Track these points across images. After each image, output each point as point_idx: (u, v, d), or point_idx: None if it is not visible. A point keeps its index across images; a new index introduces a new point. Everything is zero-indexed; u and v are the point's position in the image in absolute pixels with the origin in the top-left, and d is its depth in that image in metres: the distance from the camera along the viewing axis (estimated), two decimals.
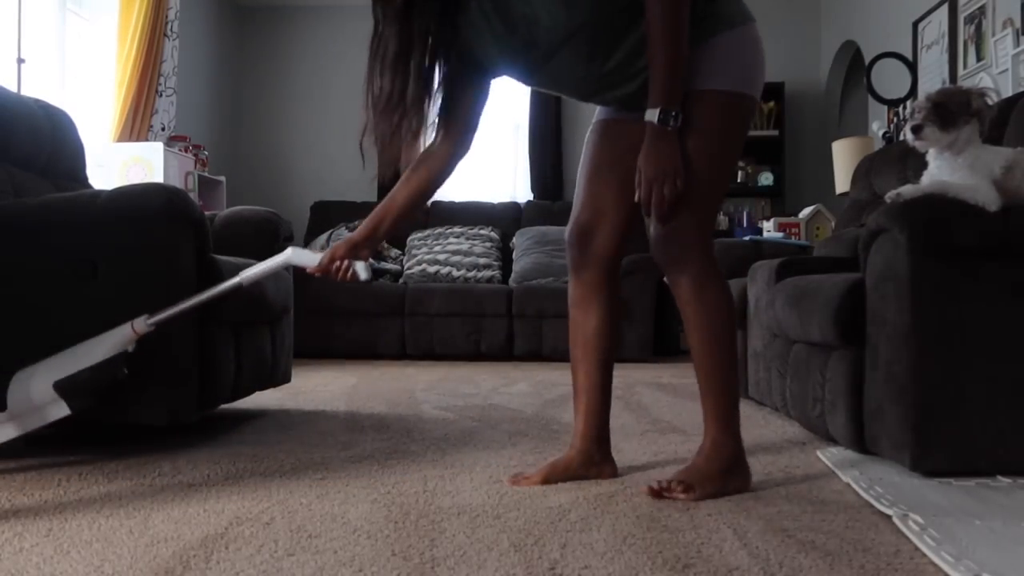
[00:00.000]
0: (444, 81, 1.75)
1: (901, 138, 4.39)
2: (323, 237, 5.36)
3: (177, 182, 4.37)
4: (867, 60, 4.80)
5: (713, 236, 1.65)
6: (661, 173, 1.53)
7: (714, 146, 1.58)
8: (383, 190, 6.04)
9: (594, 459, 1.73)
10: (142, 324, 1.79)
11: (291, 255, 1.74)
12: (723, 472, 1.61)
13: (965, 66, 3.99)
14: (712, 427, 1.65)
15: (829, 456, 1.94)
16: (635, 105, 1.60)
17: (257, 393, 2.58)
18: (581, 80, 1.67)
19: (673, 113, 1.53)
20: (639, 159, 1.55)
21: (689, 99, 1.55)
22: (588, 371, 1.76)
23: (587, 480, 1.70)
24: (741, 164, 5.86)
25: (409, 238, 5.49)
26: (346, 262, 1.73)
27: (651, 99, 1.54)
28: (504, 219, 5.69)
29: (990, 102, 1.85)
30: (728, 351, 1.64)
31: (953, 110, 1.81)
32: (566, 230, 1.81)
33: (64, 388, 1.73)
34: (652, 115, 1.53)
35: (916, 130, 1.85)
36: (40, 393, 1.75)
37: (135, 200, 2.00)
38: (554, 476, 1.69)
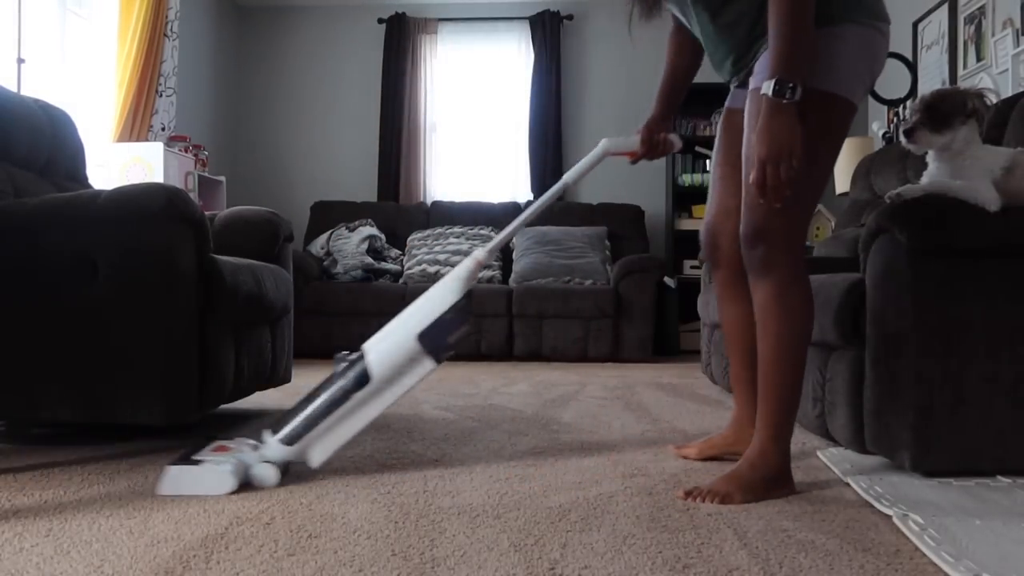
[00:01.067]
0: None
1: (899, 139, 4.40)
2: (323, 237, 5.36)
3: (177, 182, 4.38)
4: None
5: (803, 247, 1.62)
6: (776, 151, 1.44)
7: (816, 148, 1.52)
8: (383, 191, 6.06)
9: (743, 438, 1.83)
10: (484, 255, 1.77)
11: (608, 145, 1.81)
12: (767, 481, 1.57)
13: (965, 66, 3.99)
14: (763, 436, 1.60)
15: (829, 456, 1.94)
16: (747, 75, 1.58)
17: (257, 393, 2.58)
18: (709, 39, 1.68)
19: (791, 85, 1.43)
20: (753, 135, 1.48)
21: (812, 98, 1.48)
22: (734, 362, 1.88)
23: (737, 456, 1.77)
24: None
25: (409, 238, 5.49)
26: (661, 135, 1.85)
27: (769, 69, 1.45)
28: (504, 219, 5.68)
29: (988, 102, 1.84)
30: (800, 363, 1.60)
31: (946, 112, 1.80)
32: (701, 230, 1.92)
33: (428, 339, 1.67)
34: (767, 86, 1.44)
35: (908, 134, 1.85)
36: (406, 352, 1.68)
37: (135, 200, 2.00)
38: (709, 451, 1.89)
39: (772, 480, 1.58)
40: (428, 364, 1.69)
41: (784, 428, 1.61)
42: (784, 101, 1.43)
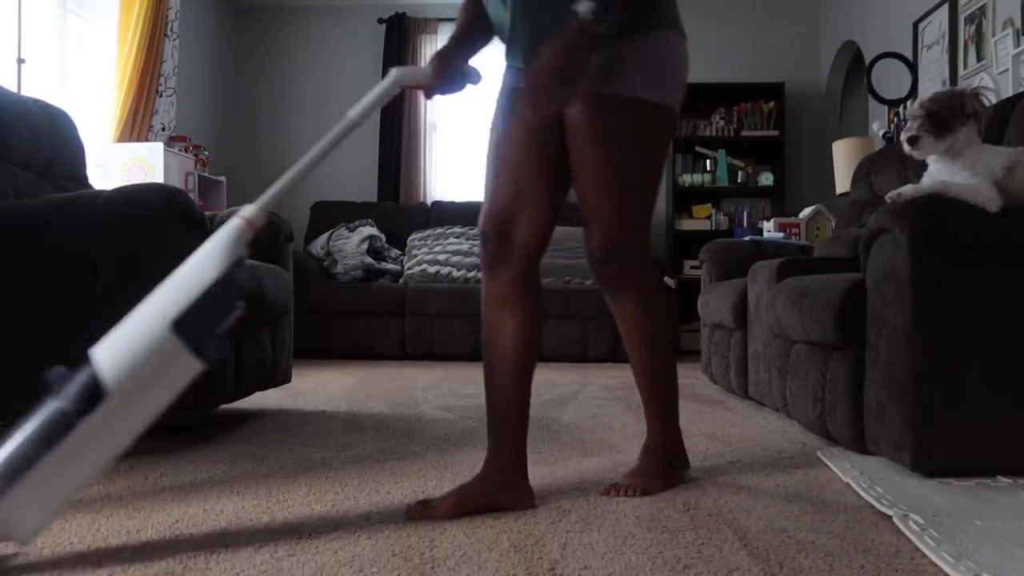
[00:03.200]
0: None
1: (899, 141, 4.40)
2: (323, 237, 5.36)
3: (177, 182, 4.37)
4: (867, 60, 4.80)
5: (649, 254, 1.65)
6: (558, 70, 1.35)
7: (649, 159, 1.57)
8: (383, 191, 6.06)
9: (510, 486, 1.52)
10: (256, 211, 1.35)
11: (399, 76, 1.51)
12: (668, 467, 1.68)
13: (965, 66, 3.99)
14: (659, 428, 1.70)
15: (829, 456, 1.94)
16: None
17: (257, 393, 2.58)
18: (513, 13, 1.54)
19: (609, 18, 1.36)
20: (591, 143, 1.52)
21: (615, 105, 1.51)
22: (505, 385, 1.55)
23: (504, 511, 1.47)
24: (741, 164, 5.86)
25: (409, 238, 5.49)
26: (457, 66, 1.62)
27: None
28: None
29: (986, 102, 1.84)
30: (670, 354, 1.70)
31: (947, 116, 1.81)
32: (479, 220, 1.62)
33: (187, 329, 1.20)
34: (584, 6, 1.35)
35: (912, 142, 1.85)
36: (157, 348, 1.20)
37: (135, 200, 2.00)
38: (464, 505, 1.45)
39: (671, 464, 1.69)
40: (192, 364, 1.21)
41: (673, 415, 1.71)
42: (595, 29, 1.36)
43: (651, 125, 1.55)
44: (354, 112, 1.45)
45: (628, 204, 1.56)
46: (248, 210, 1.34)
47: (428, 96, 1.62)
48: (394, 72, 1.51)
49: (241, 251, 1.29)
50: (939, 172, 1.85)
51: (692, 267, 5.68)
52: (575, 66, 1.37)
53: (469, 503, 1.46)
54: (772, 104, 5.80)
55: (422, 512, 1.42)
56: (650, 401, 1.69)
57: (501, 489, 1.50)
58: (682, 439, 1.74)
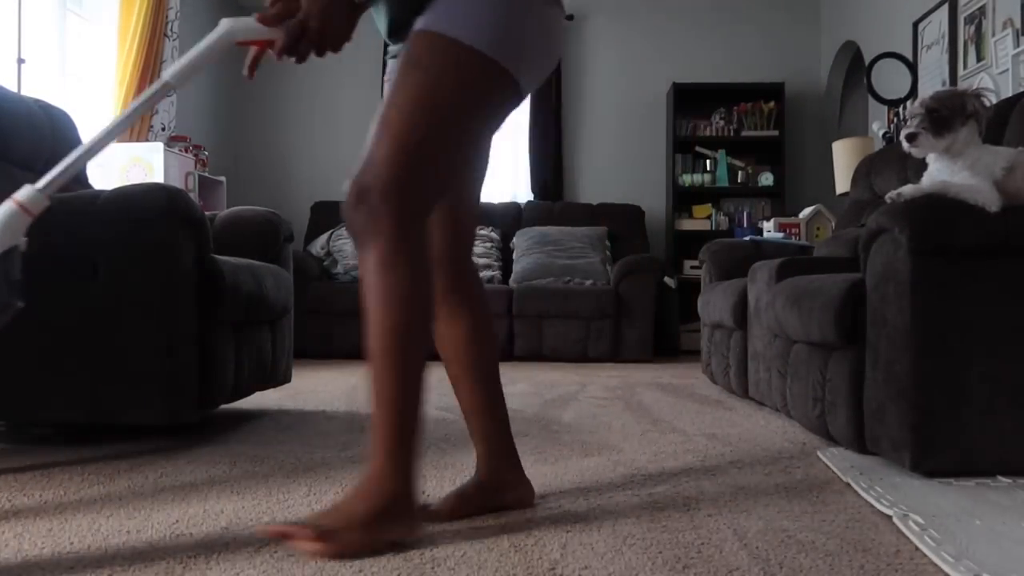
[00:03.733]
0: None
1: (899, 140, 4.40)
2: (323, 237, 5.36)
3: (177, 182, 4.37)
4: (867, 60, 4.80)
5: (421, 214, 1.26)
6: (304, 23, 1.23)
7: (436, 97, 1.24)
8: None
9: (507, 482, 1.50)
10: (33, 196, 1.23)
11: (230, 28, 1.27)
12: (379, 515, 1.22)
13: (965, 66, 3.99)
14: (377, 456, 1.24)
15: (829, 456, 1.94)
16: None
17: (257, 393, 2.58)
18: None
19: None
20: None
21: (414, 40, 1.29)
22: (471, 389, 1.50)
23: (504, 510, 1.47)
24: (741, 164, 5.86)
25: None
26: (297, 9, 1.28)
27: None
28: (504, 219, 5.69)
29: (987, 103, 1.85)
30: (403, 357, 1.24)
31: (946, 115, 1.81)
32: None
33: None
34: None
35: (911, 138, 1.85)
36: None
37: (135, 200, 2.01)
38: (464, 508, 1.43)
39: (386, 513, 1.22)
40: None
41: (402, 441, 1.24)
42: None
43: (448, 64, 1.26)
44: (168, 74, 1.27)
45: (400, 141, 1.22)
46: (23, 193, 1.19)
47: (278, 56, 1.28)
48: (225, 24, 1.28)
49: (13, 240, 1.17)
50: (939, 172, 1.85)
51: (692, 267, 5.68)
52: (321, 21, 1.24)
53: (468, 505, 1.45)
54: (772, 104, 5.80)
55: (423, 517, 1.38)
56: (373, 416, 1.26)
57: (499, 487, 1.49)
58: (413, 487, 1.25)
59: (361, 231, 1.23)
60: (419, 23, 1.30)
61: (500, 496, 1.48)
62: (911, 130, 1.85)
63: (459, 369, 1.51)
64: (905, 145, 1.88)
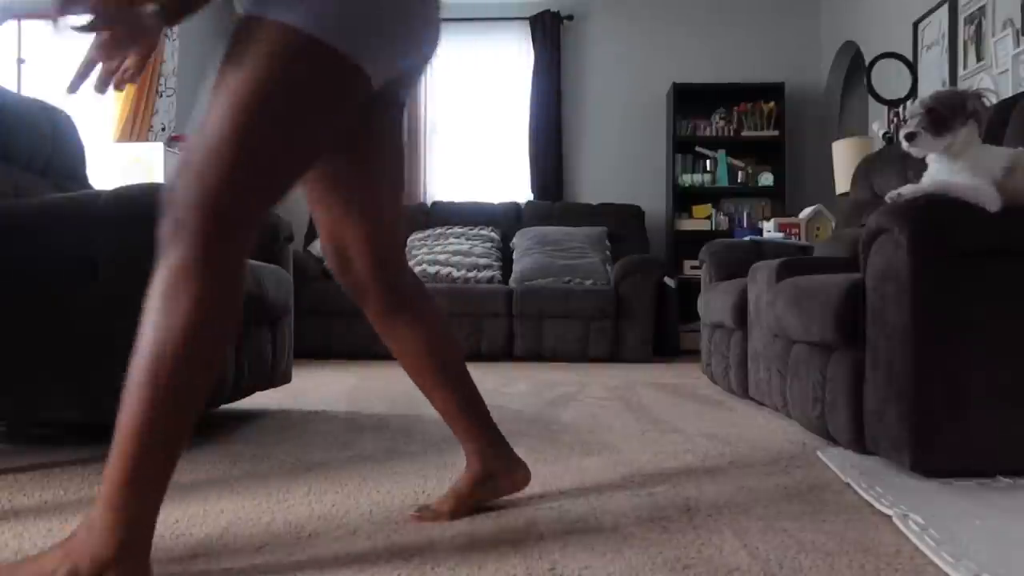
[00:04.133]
0: None
1: (899, 140, 4.40)
2: None
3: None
4: (867, 60, 4.80)
5: (237, 225, 1.06)
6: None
7: (250, 87, 1.06)
8: None
9: (501, 469, 1.50)
10: None
11: None
12: (93, 565, 0.98)
13: (965, 67, 3.99)
14: (100, 499, 1.01)
15: (829, 456, 1.94)
16: None
17: (257, 393, 2.58)
18: None
19: None
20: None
21: (235, 27, 1.15)
22: (445, 395, 1.47)
23: (503, 496, 1.52)
24: (741, 164, 5.86)
25: (410, 238, 5.49)
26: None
27: None
28: (504, 219, 5.69)
29: (987, 103, 1.85)
30: (162, 391, 1.02)
31: (947, 115, 1.81)
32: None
33: None
34: None
35: (910, 138, 1.85)
36: None
37: (135, 200, 2.00)
38: (462, 505, 1.44)
39: (98, 566, 0.98)
40: None
41: (132, 494, 1.00)
42: None
43: (272, 52, 1.08)
44: None
45: (214, 142, 1.05)
46: None
47: (54, 16, 1.16)
48: None
49: None
50: (939, 172, 1.85)
51: (692, 267, 5.68)
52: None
53: (466, 501, 1.45)
54: (772, 104, 5.81)
55: (422, 519, 1.42)
56: (113, 447, 1.03)
57: (492, 475, 1.49)
58: (136, 543, 1.01)
59: (162, 241, 1.04)
60: (243, 5, 1.16)
61: (495, 484, 1.50)
62: (910, 129, 1.85)
63: (429, 379, 1.46)
64: (904, 144, 1.88)
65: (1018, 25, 3.55)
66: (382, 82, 1.19)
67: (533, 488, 1.64)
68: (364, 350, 4.89)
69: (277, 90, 1.07)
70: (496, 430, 1.53)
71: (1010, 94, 3.29)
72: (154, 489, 1.02)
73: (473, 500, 1.46)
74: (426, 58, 1.30)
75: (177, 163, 1.09)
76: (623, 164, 6.11)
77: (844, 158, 4.46)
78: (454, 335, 1.49)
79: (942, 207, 1.72)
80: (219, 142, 1.05)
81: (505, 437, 1.54)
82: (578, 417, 2.60)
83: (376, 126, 1.35)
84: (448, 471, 1.79)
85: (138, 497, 1.01)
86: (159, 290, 1.03)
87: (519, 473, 1.53)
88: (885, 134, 4.46)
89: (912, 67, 4.40)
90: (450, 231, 5.47)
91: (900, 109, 4.53)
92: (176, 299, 1.02)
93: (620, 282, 4.92)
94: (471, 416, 1.49)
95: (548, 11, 6.02)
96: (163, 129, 4.79)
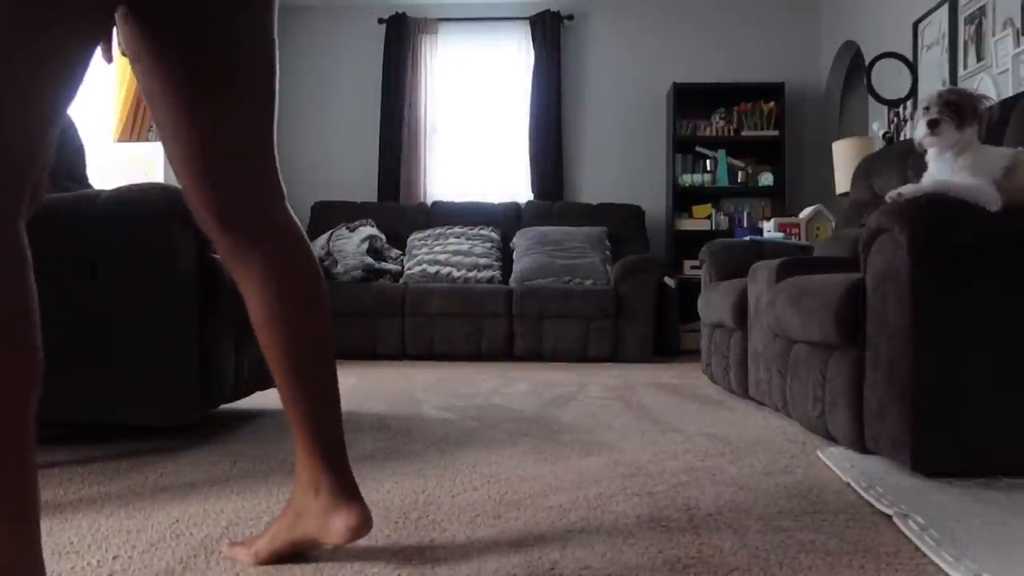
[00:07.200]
0: None
1: (903, 137, 4.40)
2: (323, 237, 5.36)
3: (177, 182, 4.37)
4: (867, 60, 4.80)
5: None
6: None
7: None
8: (383, 191, 6.05)
9: (309, 508, 1.16)
10: None
11: None
12: None
13: (965, 66, 3.99)
14: None
15: (829, 456, 1.94)
16: None
17: (257, 393, 2.58)
18: None
19: None
20: None
21: None
22: (279, 384, 1.24)
23: (313, 546, 1.18)
24: (741, 164, 5.86)
25: (409, 238, 5.49)
26: None
27: None
28: (504, 219, 5.69)
29: (990, 106, 1.86)
30: None
31: (966, 112, 1.82)
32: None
33: None
34: None
35: (933, 124, 1.83)
36: None
37: (135, 200, 2.01)
38: (267, 546, 1.16)
39: None
40: None
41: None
42: None
43: None
44: None
45: None
46: None
47: None
48: None
49: None
50: (939, 172, 1.85)
51: (692, 267, 5.68)
52: None
53: (274, 541, 1.16)
54: (772, 104, 5.81)
55: (233, 552, 1.19)
56: None
57: (300, 513, 1.17)
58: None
59: None
60: None
61: (298, 525, 1.16)
62: (934, 116, 1.83)
63: (271, 360, 1.22)
64: (921, 132, 1.86)
65: (1018, 25, 3.55)
66: None
67: (533, 488, 1.63)
68: (364, 350, 4.89)
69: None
70: (333, 455, 1.17)
71: (1010, 94, 3.29)
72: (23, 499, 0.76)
73: (279, 543, 1.16)
74: None
75: None
76: (623, 164, 6.11)
77: (844, 158, 4.46)
78: (324, 301, 1.25)
79: (942, 207, 1.72)
80: None
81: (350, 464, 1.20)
82: (578, 417, 2.60)
83: (212, 35, 1.12)
84: (448, 471, 1.79)
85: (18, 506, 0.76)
86: None
87: (335, 521, 1.14)
88: (885, 134, 4.46)
89: (912, 67, 4.40)
90: (450, 231, 5.47)
91: (900, 109, 4.53)
92: None
93: (620, 282, 4.92)
94: (305, 422, 1.22)
95: (548, 11, 6.02)
96: None
